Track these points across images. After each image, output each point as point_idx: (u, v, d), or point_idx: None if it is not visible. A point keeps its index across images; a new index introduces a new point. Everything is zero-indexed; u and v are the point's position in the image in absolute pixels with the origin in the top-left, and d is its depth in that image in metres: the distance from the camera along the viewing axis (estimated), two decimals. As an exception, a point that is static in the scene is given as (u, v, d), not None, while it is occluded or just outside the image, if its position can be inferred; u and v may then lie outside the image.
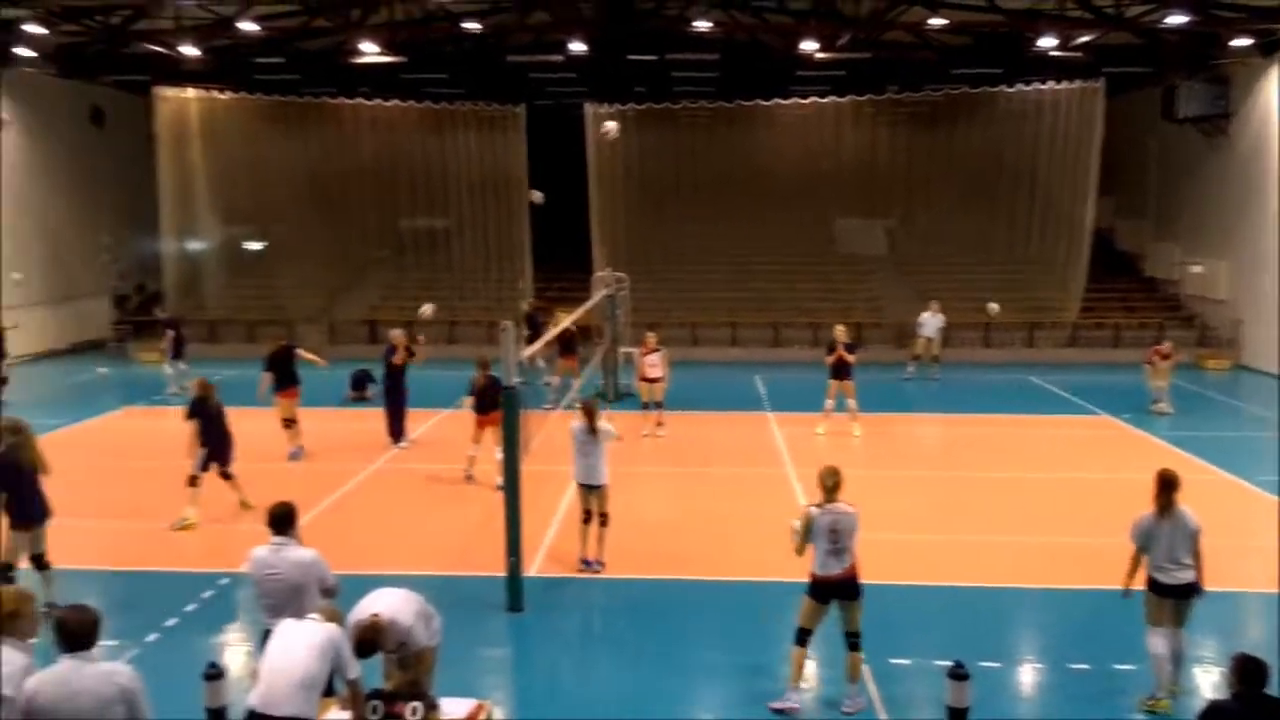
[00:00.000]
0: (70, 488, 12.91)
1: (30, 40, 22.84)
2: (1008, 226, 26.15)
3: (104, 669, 4.71)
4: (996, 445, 16.53)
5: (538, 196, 19.23)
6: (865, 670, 7.66)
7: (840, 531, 7.24)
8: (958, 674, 6.29)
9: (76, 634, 4.72)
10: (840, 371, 16.56)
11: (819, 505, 7.31)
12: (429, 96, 27.81)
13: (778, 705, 7.39)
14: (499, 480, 12.81)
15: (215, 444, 11.93)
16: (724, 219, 28.98)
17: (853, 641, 7.41)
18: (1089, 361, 24.59)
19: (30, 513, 8.89)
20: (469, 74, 30.09)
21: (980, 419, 18.57)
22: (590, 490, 10.12)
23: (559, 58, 26.00)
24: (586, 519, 10.19)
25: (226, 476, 12.11)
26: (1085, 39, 23.11)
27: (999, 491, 13.46)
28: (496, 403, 12.64)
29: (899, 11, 22.11)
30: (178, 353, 20.09)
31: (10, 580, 8.64)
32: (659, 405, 16.64)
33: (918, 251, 28.57)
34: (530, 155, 26.12)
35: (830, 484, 7.32)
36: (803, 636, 7.40)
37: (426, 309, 17.52)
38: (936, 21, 22.26)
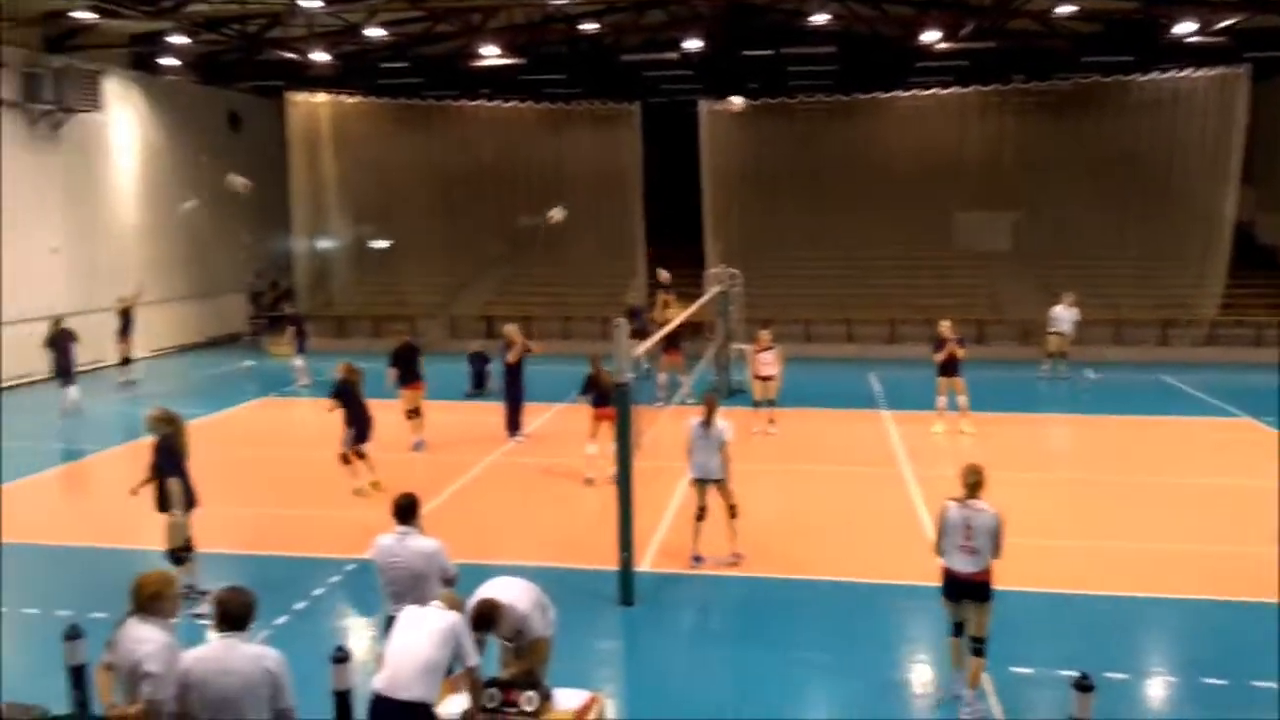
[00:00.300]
0: (208, 475, 13.65)
1: (174, 49, 24.19)
2: (1140, 219, 25.03)
3: (254, 651, 4.94)
4: (1128, 448, 15.83)
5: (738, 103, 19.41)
6: (986, 678, 7.47)
7: (974, 529, 7.10)
8: (1083, 685, 6.06)
9: (234, 615, 4.97)
10: (949, 368, 16.14)
11: (957, 500, 7.23)
12: (546, 97, 28.31)
13: (967, 717, 7.24)
14: (611, 470, 13.01)
15: (360, 425, 12.72)
16: (839, 214, 28.56)
17: (976, 647, 7.26)
18: (1228, 361, 23.29)
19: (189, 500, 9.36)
20: (585, 74, 30.46)
21: (1111, 420, 17.82)
22: (708, 485, 10.12)
23: (674, 55, 26.06)
24: (701, 515, 10.18)
25: (360, 455, 12.77)
26: (1227, 23, 21.89)
27: (1130, 496, 12.89)
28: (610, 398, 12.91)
29: (1025, -1, 21.40)
30: (301, 346, 21.04)
31: (181, 562, 9.18)
32: (771, 403, 16.54)
33: (1043, 246, 27.52)
34: (644, 152, 26.27)
35: (971, 481, 7.25)
36: (956, 629, 7.40)
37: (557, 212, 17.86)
38: (1065, 8, 21.41)
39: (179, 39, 22.92)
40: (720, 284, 19.57)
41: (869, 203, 28.40)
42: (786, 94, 26.94)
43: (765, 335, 16.79)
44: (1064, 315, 21.25)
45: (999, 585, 7.43)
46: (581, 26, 24.29)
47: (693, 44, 24.30)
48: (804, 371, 21.37)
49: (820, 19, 22.81)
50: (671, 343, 18.26)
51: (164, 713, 5.02)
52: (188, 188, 27.10)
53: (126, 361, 19.82)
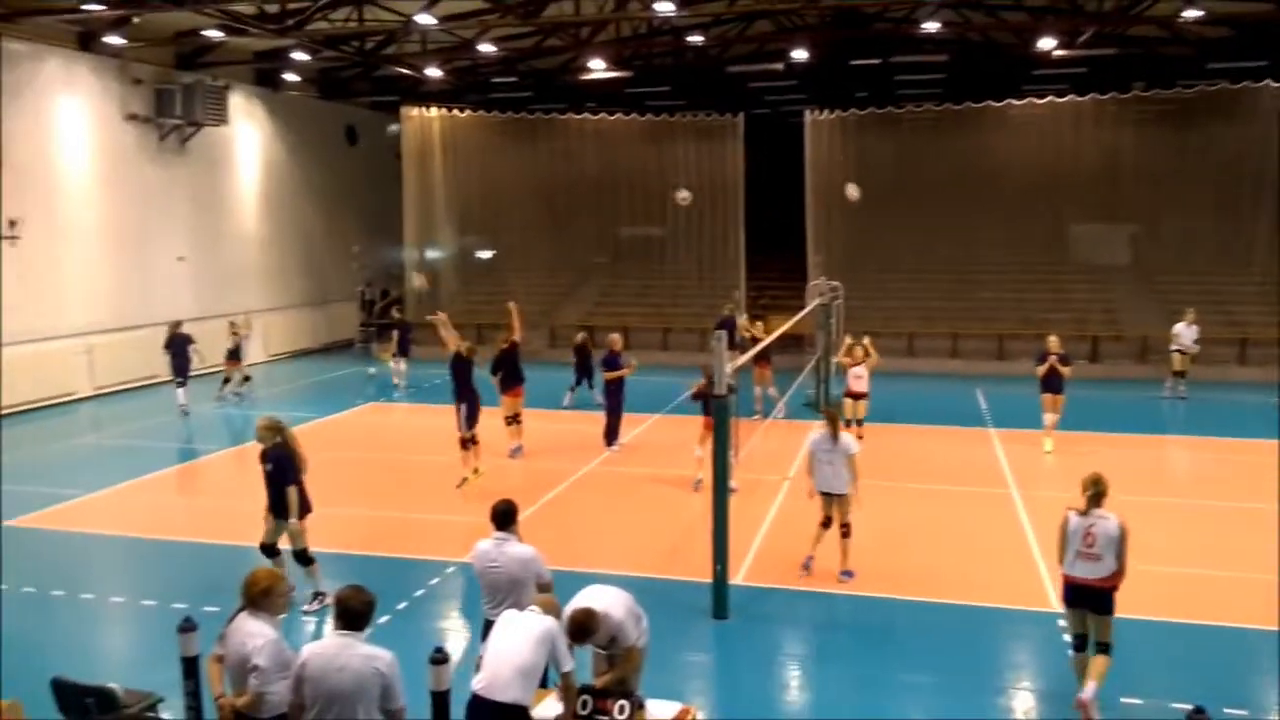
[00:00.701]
0: (317, 477, 14.08)
1: (296, 66, 25.21)
2: (1271, 233, 23.78)
3: (368, 651, 5.04)
4: (1253, 473, 14.99)
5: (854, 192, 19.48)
6: (1097, 705, 7.16)
7: (1096, 535, 7.07)
8: (1197, 719, 5.77)
9: (354, 613, 5.09)
10: (1052, 384, 15.78)
11: (1078, 510, 7.26)
12: (650, 109, 28.51)
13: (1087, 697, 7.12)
14: (700, 475, 12.98)
15: (470, 404, 13.28)
16: (947, 226, 27.92)
17: (1102, 646, 7.16)
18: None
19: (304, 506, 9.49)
20: (690, 85, 30.56)
21: (1234, 444, 16.93)
22: (831, 498, 10.07)
23: (779, 66, 25.94)
24: (826, 524, 10.14)
25: (472, 440, 13.31)
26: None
27: (1255, 524, 12.22)
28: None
29: (1148, 4, 20.58)
30: (403, 352, 21.56)
31: (309, 563, 9.48)
32: (860, 421, 16.09)
33: (1164, 260, 26.36)
34: (746, 163, 26.20)
35: (1092, 492, 7.22)
36: (1078, 642, 7.38)
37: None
38: (1192, 13, 20.53)
39: (301, 56, 23.88)
40: (821, 296, 19.35)
41: (978, 214, 27.69)
42: (894, 103, 26.53)
43: (859, 349, 16.41)
44: (1185, 333, 20.35)
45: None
46: (688, 38, 24.39)
47: (799, 54, 24.12)
48: (907, 387, 20.98)
49: (931, 26, 22.39)
50: (762, 356, 18.17)
51: (269, 704, 5.21)
52: (304, 199, 28.20)
53: (227, 381, 20.64)
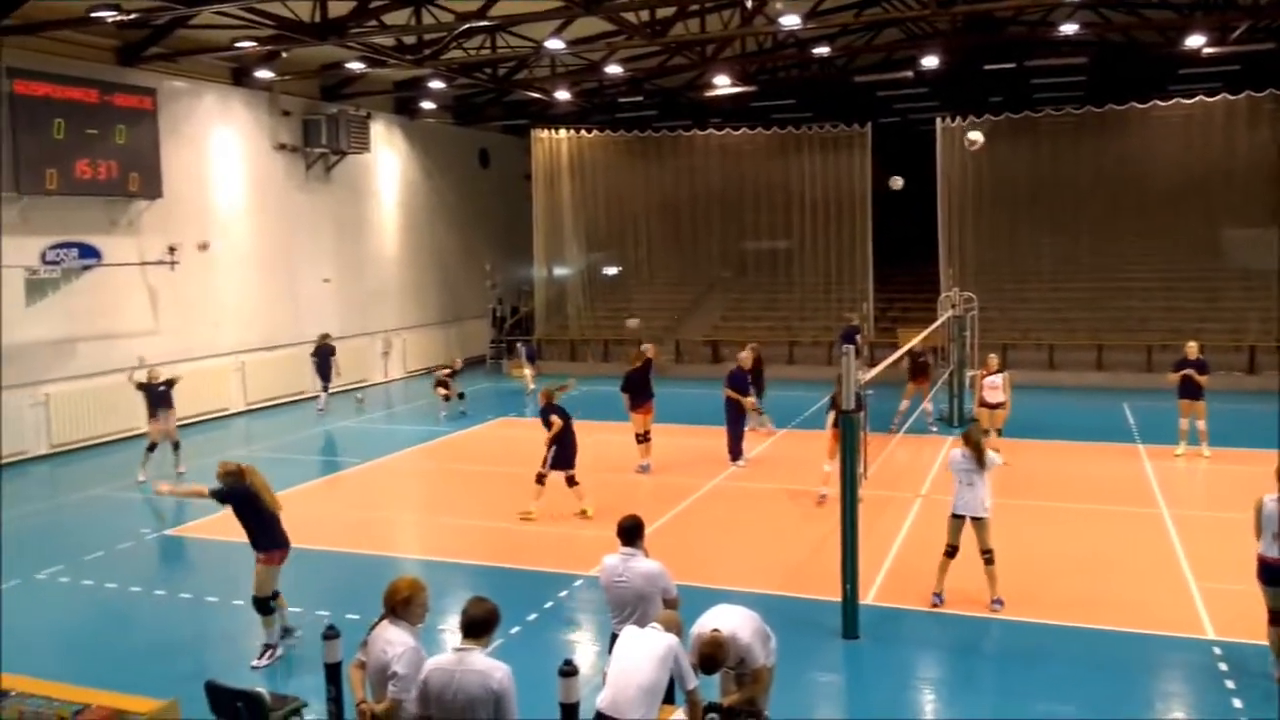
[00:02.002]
0: (451, 489, 14.50)
1: (432, 94, 26.17)
2: None
3: (484, 666, 5.08)
4: None
5: (898, 182, 19.53)
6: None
7: None
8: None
9: (477, 624, 5.15)
10: (1189, 391, 15.36)
11: (1275, 496, 7.72)
12: (776, 122, 28.37)
13: None
14: (824, 490, 12.77)
15: (563, 447, 12.94)
16: (1087, 233, 26.81)
17: None
18: None
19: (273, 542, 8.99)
20: (816, 97, 30.29)
21: None
22: (964, 521, 9.54)
23: (909, 74, 25.44)
24: (951, 553, 9.62)
25: (571, 482, 13.02)
26: None
27: None
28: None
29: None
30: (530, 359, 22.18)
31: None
32: (998, 433, 15.60)
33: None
34: (874, 173, 25.78)
35: None
36: (1273, 616, 7.75)
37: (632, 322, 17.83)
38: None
39: (437, 84, 24.77)
40: (954, 308, 18.84)
41: (1123, 220, 26.51)
42: (1030, 107, 25.64)
43: (994, 359, 16.06)
44: None
45: None
46: (814, 50, 24.19)
47: (929, 61, 23.60)
48: (1048, 401, 20.20)
49: (1069, 28, 21.57)
50: (919, 369, 17.75)
51: (407, 711, 5.37)
52: (439, 220, 29.20)
53: (449, 398, 21.46)
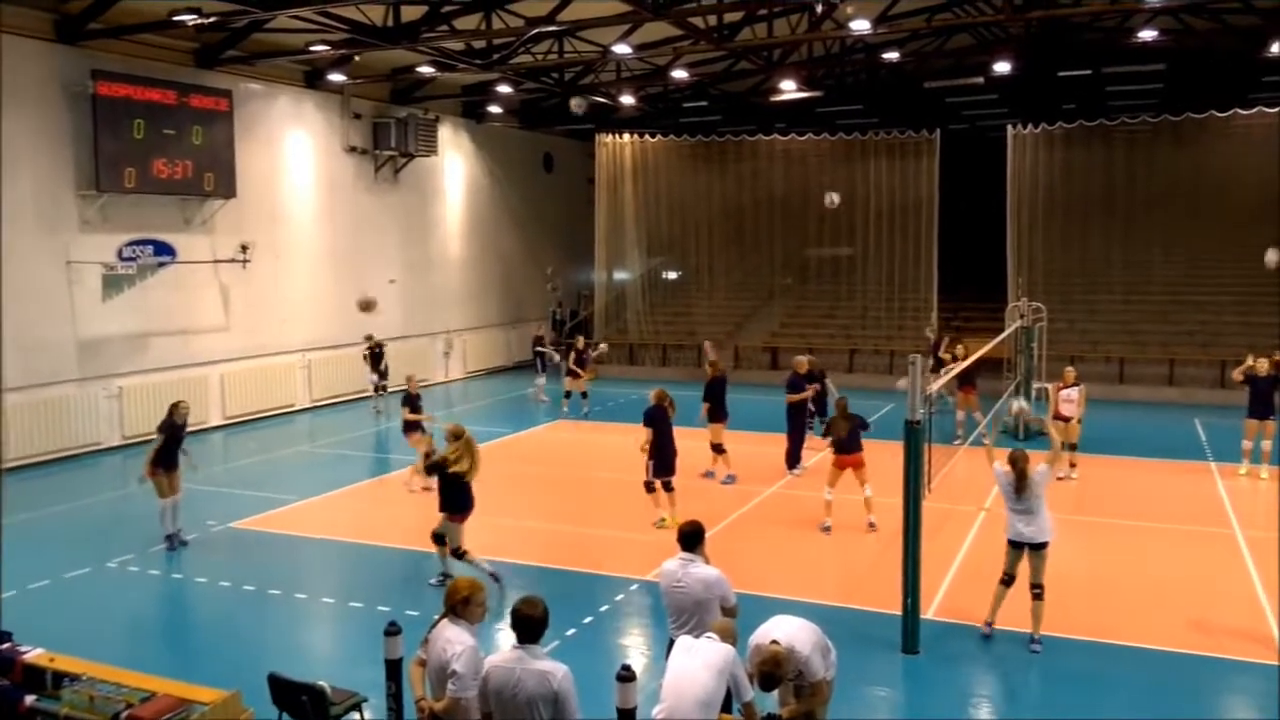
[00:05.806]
0: (507, 490, 14.57)
1: (499, 98, 26.42)
2: None
3: (544, 667, 5.11)
4: None
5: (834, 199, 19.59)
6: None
7: None
8: None
9: (529, 625, 5.19)
10: (1258, 408, 14.98)
11: None
12: (842, 128, 28.11)
13: None
14: (871, 518, 12.56)
15: (662, 454, 12.76)
16: (1161, 244, 26.13)
17: None
18: None
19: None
20: (883, 103, 29.95)
21: None
22: (1023, 550, 9.00)
23: (979, 80, 25.02)
24: (1008, 582, 9.13)
25: (668, 488, 12.85)
26: None
27: None
28: (858, 443, 12.74)
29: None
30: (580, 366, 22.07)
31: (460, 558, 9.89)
32: (1073, 447, 15.29)
33: None
34: (942, 180, 25.41)
35: None
36: None
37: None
38: None
39: (504, 89, 25.01)
40: (1021, 319, 18.48)
41: (1198, 231, 25.80)
42: (1104, 115, 25.06)
43: (1070, 372, 15.66)
44: None
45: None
46: (883, 56, 23.92)
47: (1001, 67, 23.18)
48: (1118, 416, 19.72)
49: (1147, 35, 21.03)
50: (967, 380, 17.47)
51: (466, 709, 5.41)
52: (503, 223, 29.46)
53: (568, 396, 21.54)
